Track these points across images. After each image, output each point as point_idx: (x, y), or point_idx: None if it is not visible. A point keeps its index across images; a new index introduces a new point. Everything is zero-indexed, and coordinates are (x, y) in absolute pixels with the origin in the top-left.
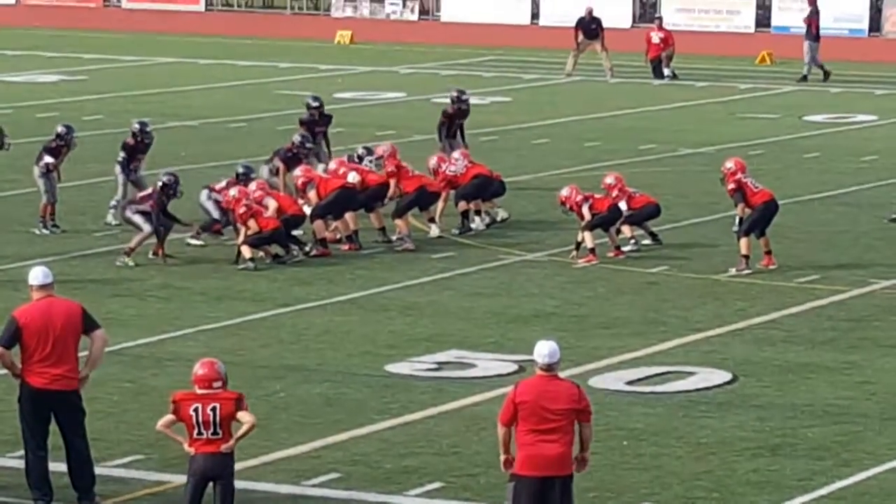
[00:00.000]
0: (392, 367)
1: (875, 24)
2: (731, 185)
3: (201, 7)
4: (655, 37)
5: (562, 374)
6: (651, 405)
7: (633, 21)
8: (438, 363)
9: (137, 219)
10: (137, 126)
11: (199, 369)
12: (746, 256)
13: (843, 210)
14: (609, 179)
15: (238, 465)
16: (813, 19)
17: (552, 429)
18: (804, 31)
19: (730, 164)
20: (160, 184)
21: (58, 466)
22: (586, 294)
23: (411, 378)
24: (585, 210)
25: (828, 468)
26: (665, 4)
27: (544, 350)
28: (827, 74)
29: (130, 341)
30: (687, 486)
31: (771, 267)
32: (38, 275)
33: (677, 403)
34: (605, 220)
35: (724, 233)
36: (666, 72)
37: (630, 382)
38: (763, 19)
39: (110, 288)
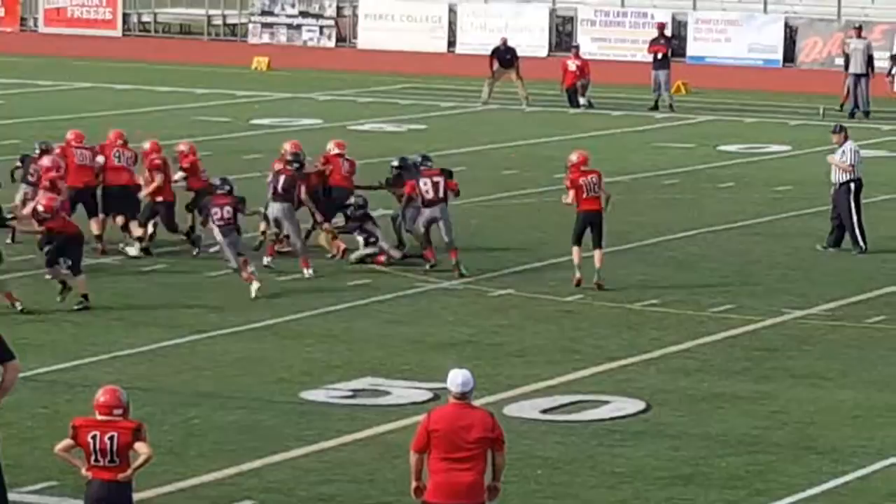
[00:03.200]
0: (307, 395)
1: (789, 54)
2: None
3: (118, 32)
4: (572, 65)
5: (476, 403)
6: (565, 434)
7: (550, 49)
8: (353, 390)
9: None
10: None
11: (100, 396)
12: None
13: (758, 240)
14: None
15: (151, 492)
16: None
17: (465, 457)
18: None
19: (574, 157)
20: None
21: None
22: (501, 322)
23: (326, 405)
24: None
25: (741, 498)
26: (581, 33)
27: (458, 378)
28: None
29: (44, 367)
30: None
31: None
32: None
33: (591, 432)
34: None
35: (640, 262)
36: (582, 101)
37: (545, 411)
38: (678, 49)
39: (24, 313)
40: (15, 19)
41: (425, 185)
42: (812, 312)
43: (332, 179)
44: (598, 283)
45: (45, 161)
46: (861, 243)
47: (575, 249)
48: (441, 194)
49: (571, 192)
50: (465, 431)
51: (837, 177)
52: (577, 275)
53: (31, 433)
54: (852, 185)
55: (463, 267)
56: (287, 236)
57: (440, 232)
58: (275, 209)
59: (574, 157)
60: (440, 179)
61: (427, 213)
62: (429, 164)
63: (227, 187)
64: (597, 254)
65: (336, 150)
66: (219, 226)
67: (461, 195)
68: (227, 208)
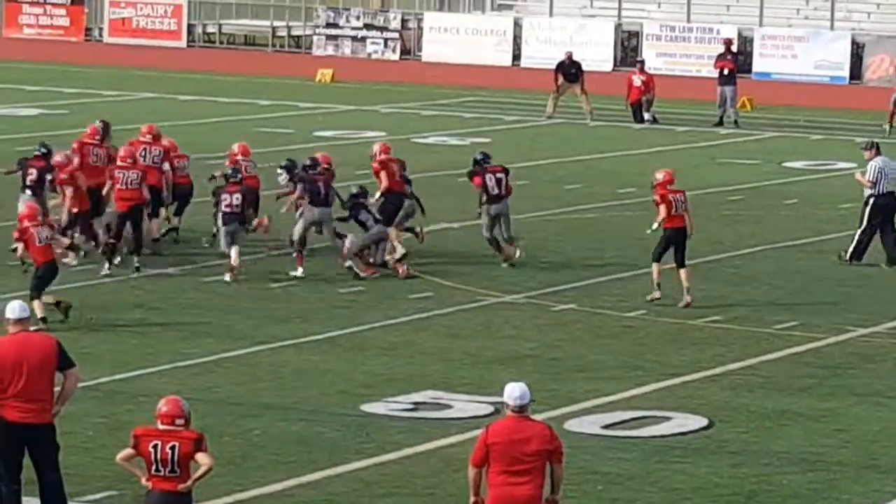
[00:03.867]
0: (368, 407)
1: (856, 71)
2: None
3: (183, 43)
4: (637, 80)
5: (538, 417)
6: (626, 450)
7: (615, 64)
8: (414, 403)
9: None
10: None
11: (162, 406)
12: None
13: (822, 257)
14: None
15: (211, 503)
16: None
17: (524, 470)
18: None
19: (659, 175)
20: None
21: (31, 501)
22: (563, 337)
23: (387, 418)
24: None
25: None
26: (647, 48)
27: (515, 392)
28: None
29: (105, 377)
30: None
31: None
32: (14, 308)
33: (653, 448)
34: None
35: (703, 278)
36: (646, 116)
37: (606, 426)
38: (744, 65)
39: (86, 323)
40: (80, 30)
41: (490, 180)
42: (876, 331)
43: (390, 185)
44: (688, 302)
45: (58, 157)
46: (847, 256)
47: (655, 266)
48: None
49: (662, 208)
50: (524, 444)
51: (866, 192)
52: (657, 293)
53: (91, 443)
54: (871, 200)
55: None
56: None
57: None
58: (315, 213)
59: (660, 176)
60: (503, 176)
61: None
62: (490, 162)
63: (238, 176)
64: (683, 273)
65: (384, 156)
66: (224, 213)
67: (525, 209)
68: (236, 196)
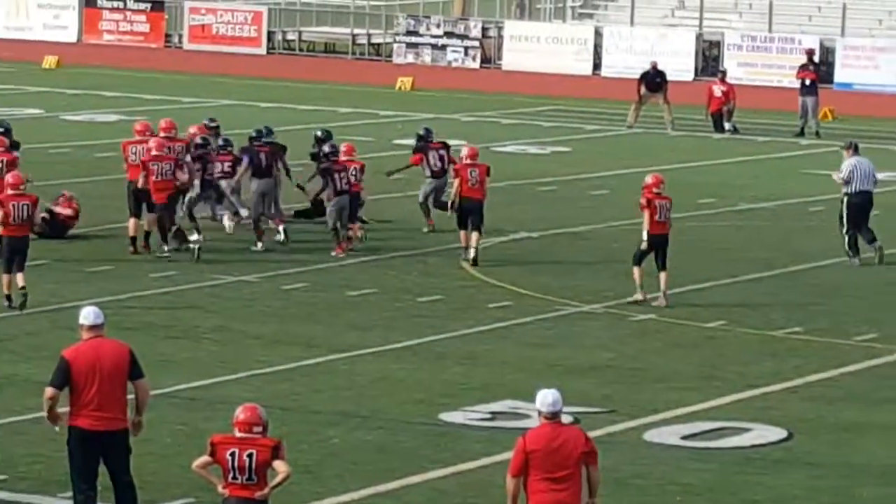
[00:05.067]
0: (446, 416)
1: None
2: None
3: (262, 50)
4: (717, 90)
5: (616, 428)
6: (705, 461)
7: (696, 74)
8: (493, 413)
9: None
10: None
11: (240, 413)
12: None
13: None
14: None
15: None
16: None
17: (563, 476)
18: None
19: (648, 179)
20: None
21: None
22: (642, 347)
23: (465, 427)
24: None
25: None
26: (728, 58)
27: (548, 398)
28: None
29: (184, 384)
30: None
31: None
32: (88, 315)
33: (732, 460)
34: None
35: (784, 289)
36: (727, 125)
37: (685, 437)
38: (826, 76)
39: (164, 330)
40: (160, 36)
41: (433, 157)
42: None
43: (462, 190)
44: (667, 303)
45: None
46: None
47: (636, 270)
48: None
49: (647, 214)
50: (563, 449)
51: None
52: (640, 295)
53: (169, 450)
54: (844, 199)
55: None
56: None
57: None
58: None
59: (649, 179)
60: (444, 152)
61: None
62: (432, 138)
63: (229, 147)
64: (662, 276)
65: (468, 160)
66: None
67: (605, 219)
68: (227, 164)
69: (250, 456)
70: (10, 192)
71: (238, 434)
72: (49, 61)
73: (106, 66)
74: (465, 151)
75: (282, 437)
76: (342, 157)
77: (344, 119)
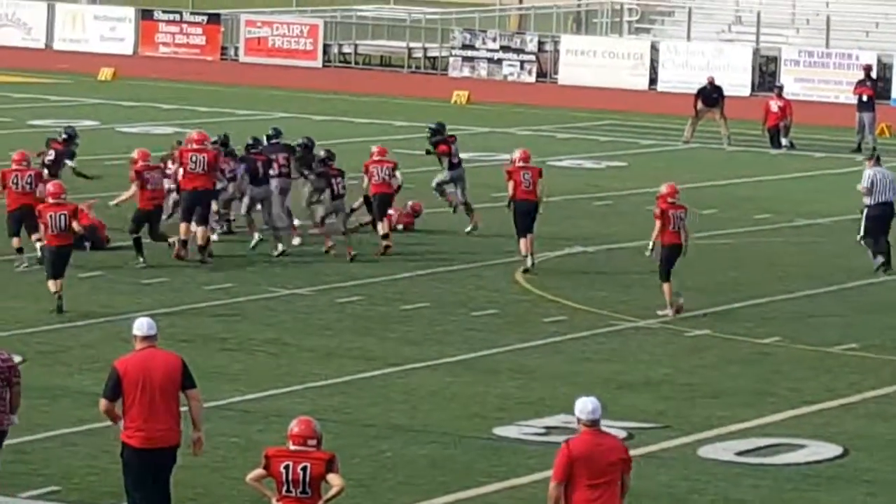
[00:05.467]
0: (500, 430)
1: None
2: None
3: (318, 63)
4: (774, 106)
5: (671, 443)
6: (760, 477)
7: (753, 89)
8: (547, 427)
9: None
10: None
11: (294, 426)
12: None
13: None
14: None
15: None
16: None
17: (606, 482)
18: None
19: (663, 188)
20: None
21: None
22: (697, 363)
23: (519, 442)
24: None
25: None
26: (785, 73)
27: (588, 406)
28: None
29: (238, 396)
30: None
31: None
32: (142, 325)
33: (787, 476)
34: None
35: (840, 305)
36: (784, 141)
37: (740, 453)
38: (883, 92)
39: (219, 342)
40: (216, 48)
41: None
42: None
43: (516, 193)
44: (672, 313)
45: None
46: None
47: (666, 286)
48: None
49: (658, 224)
50: (606, 456)
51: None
52: (669, 311)
53: (223, 462)
54: (865, 210)
55: None
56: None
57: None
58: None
59: (663, 189)
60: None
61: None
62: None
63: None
64: (667, 286)
65: (521, 163)
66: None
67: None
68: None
69: (304, 469)
70: (49, 201)
71: (292, 447)
72: (105, 73)
73: (162, 79)
74: (517, 154)
75: (335, 451)
76: (374, 158)
77: (399, 132)
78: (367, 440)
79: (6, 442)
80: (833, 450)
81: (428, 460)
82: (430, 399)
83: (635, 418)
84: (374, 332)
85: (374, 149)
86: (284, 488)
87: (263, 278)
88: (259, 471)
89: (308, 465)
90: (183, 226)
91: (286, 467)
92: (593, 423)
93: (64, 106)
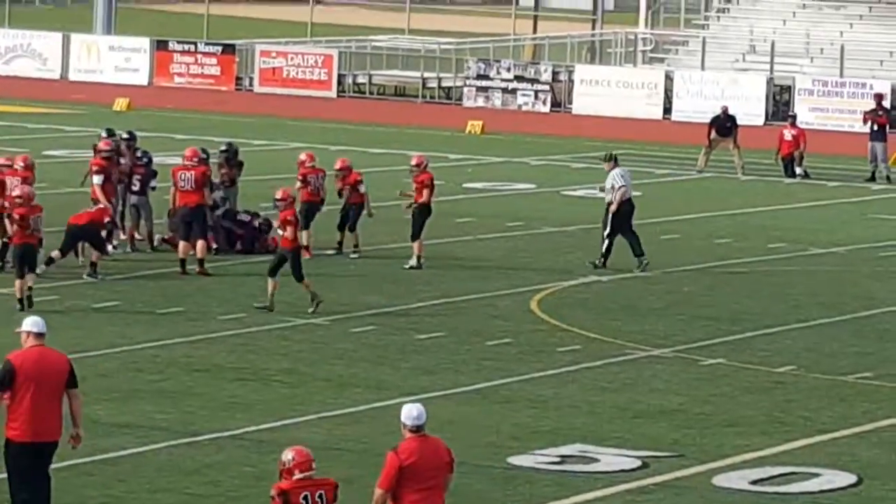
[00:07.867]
0: (515, 460)
1: None
2: None
3: (333, 93)
4: (788, 134)
5: (685, 472)
6: None
7: (766, 118)
8: (562, 457)
9: None
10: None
11: (294, 455)
12: None
13: None
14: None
15: None
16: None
17: (436, 485)
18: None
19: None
20: None
21: None
22: (712, 392)
23: (534, 471)
24: None
25: None
26: (799, 102)
27: (413, 412)
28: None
29: (252, 426)
30: None
31: None
32: (35, 322)
33: None
34: None
35: (853, 334)
36: (798, 170)
37: (754, 482)
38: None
39: (234, 372)
40: (231, 79)
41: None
42: None
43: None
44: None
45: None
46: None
47: None
48: None
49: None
50: (435, 459)
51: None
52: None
53: (236, 491)
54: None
55: None
56: None
57: None
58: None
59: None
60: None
61: None
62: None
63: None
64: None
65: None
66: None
67: (676, 263)
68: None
69: (321, 497)
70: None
71: (298, 475)
72: (120, 104)
73: (176, 109)
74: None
75: (351, 480)
76: (307, 165)
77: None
78: (382, 469)
79: None
80: (847, 478)
81: None
82: (445, 428)
83: (650, 447)
84: (389, 362)
85: (303, 156)
86: None
87: (278, 308)
88: None
89: (323, 492)
90: (182, 244)
91: (306, 497)
92: (418, 429)
93: (79, 136)
